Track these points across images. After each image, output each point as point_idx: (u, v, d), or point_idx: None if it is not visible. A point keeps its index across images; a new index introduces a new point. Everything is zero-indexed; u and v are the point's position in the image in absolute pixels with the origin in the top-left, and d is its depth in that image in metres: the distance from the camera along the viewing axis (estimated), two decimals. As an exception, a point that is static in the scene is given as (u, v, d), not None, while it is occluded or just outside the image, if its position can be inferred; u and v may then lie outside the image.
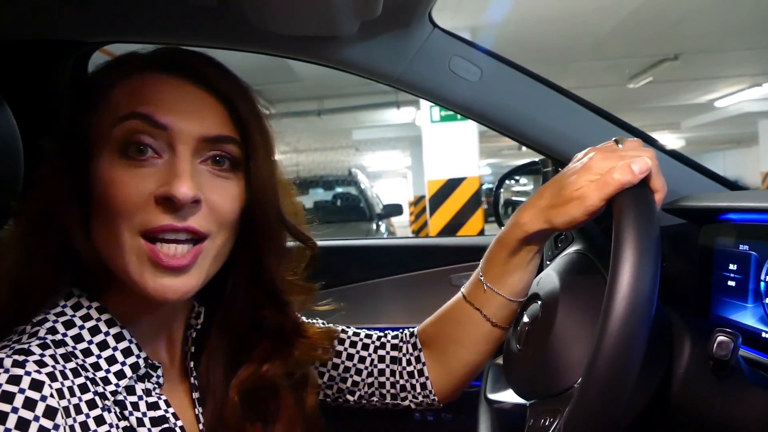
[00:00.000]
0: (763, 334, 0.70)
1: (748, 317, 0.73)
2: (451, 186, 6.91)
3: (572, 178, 0.69)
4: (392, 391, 0.89)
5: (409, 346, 0.90)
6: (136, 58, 0.65)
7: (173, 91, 0.62)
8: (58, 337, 0.58)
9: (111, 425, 0.57)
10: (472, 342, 0.84)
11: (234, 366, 0.73)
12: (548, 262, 0.95)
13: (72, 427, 0.53)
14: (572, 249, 0.92)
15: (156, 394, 0.65)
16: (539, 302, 0.80)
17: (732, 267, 0.76)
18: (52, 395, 0.52)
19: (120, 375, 0.61)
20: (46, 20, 0.96)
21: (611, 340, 0.52)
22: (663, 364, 0.67)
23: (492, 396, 0.96)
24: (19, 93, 0.93)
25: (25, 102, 0.90)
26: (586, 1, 5.19)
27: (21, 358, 0.53)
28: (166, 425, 0.63)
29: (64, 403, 0.53)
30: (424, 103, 6.95)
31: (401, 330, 0.93)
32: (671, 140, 16.94)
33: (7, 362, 0.52)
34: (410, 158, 15.32)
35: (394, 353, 0.90)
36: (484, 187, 11.55)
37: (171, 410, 0.65)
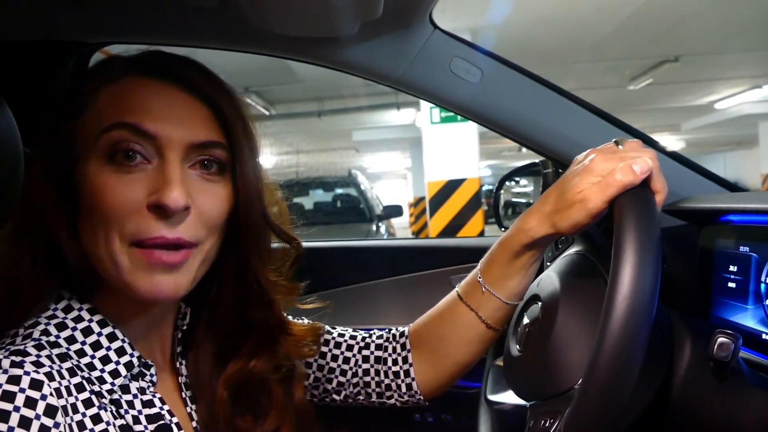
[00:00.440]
0: (764, 336, 0.70)
1: (748, 319, 0.73)
2: (451, 187, 6.91)
3: (574, 181, 0.69)
4: (377, 390, 0.89)
5: (398, 346, 0.90)
6: (119, 62, 0.65)
7: (158, 97, 0.62)
8: (52, 338, 0.59)
9: (108, 423, 0.57)
10: (465, 342, 0.85)
11: (222, 363, 0.74)
12: (549, 264, 0.95)
13: (70, 426, 0.53)
14: (573, 250, 0.92)
15: (150, 392, 0.66)
16: (540, 303, 0.80)
17: (732, 268, 0.76)
18: (51, 394, 0.52)
19: (115, 374, 0.62)
20: (46, 21, 0.96)
21: (612, 341, 0.52)
22: (663, 365, 0.67)
23: (492, 397, 0.96)
24: (20, 94, 0.93)
25: (26, 103, 0.90)
26: (587, 3, 5.19)
27: (18, 358, 0.53)
28: (161, 422, 0.64)
29: (62, 402, 0.53)
30: (424, 105, 6.95)
31: (387, 330, 0.93)
32: (671, 142, 16.94)
33: (6, 363, 0.53)
34: (410, 159, 15.32)
35: (379, 353, 0.90)
36: (484, 188, 11.55)
37: (166, 407, 0.66)
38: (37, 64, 1.07)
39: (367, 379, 0.89)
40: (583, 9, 5.31)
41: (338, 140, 13.29)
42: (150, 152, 0.61)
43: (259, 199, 0.69)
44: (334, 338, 0.90)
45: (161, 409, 0.65)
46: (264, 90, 8.19)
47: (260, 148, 0.71)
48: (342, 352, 0.89)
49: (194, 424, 0.71)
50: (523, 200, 1.72)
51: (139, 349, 0.65)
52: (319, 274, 0.80)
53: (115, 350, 0.63)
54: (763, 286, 0.71)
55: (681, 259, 0.87)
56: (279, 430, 0.75)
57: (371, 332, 0.93)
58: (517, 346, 0.81)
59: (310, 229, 0.88)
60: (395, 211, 6.86)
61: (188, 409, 0.72)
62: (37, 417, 0.50)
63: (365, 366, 0.89)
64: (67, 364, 0.57)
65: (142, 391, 0.65)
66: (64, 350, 0.59)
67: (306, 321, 0.87)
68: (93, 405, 0.57)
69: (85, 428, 0.55)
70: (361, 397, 0.90)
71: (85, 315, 0.62)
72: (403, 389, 0.88)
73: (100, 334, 0.62)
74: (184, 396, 0.72)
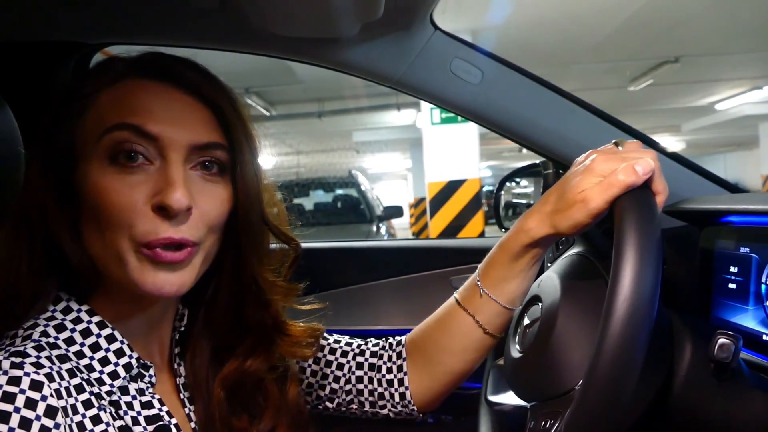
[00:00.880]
0: (764, 337, 0.70)
1: (748, 320, 0.73)
2: (451, 188, 6.91)
3: (575, 182, 0.69)
4: (370, 399, 0.88)
5: (393, 354, 0.89)
6: (119, 63, 0.65)
7: (160, 98, 0.63)
8: (51, 340, 0.59)
9: (107, 424, 0.57)
10: (461, 349, 0.83)
11: (219, 363, 0.74)
12: (549, 264, 0.95)
13: (70, 427, 0.53)
14: (573, 251, 0.92)
15: (149, 393, 0.66)
16: (540, 304, 0.80)
17: (733, 269, 0.76)
18: (51, 395, 0.53)
19: (113, 375, 0.62)
20: (47, 22, 0.97)
21: (612, 342, 0.52)
22: (664, 366, 0.67)
23: (492, 398, 0.95)
24: (21, 94, 0.93)
25: (27, 104, 0.90)
26: (587, 4, 5.20)
27: (18, 359, 0.54)
28: (160, 423, 0.65)
29: (62, 403, 0.53)
30: (425, 105, 6.95)
31: (384, 338, 0.93)
32: (672, 143, 16.94)
33: (6, 364, 0.53)
34: (411, 160, 15.33)
35: (373, 360, 0.89)
36: (485, 189, 11.55)
37: (165, 408, 0.66)
38: (38, 65, 1.07)
39: (360, 386, 0.88)
40: (584, 10, 5.32)
41: (338, 141, 13.30)
42: (152, 153, 0.61)
43: (259, 200, 0.69)
44: (329, 344, 0.90)
45: (160, 410, 0.66)
46: (264, 91, 8.20)
47: (260, 149, 0.71)
48: (336, 358, 0.89)
49: (192, 425, 0.72)
50: (523, 201, 1.72)
51: (138, 350, 0.66)
52: (320, 274, 0.80)
53: (114, 351, 0.63)
54: (763, 287, 0.71)
55: (681, 260, 0.87)
56: (275, 429, 0.75)
57: (368, 340, 0.93)
58: (518, 347, 0.81)
59: (310, 230, 0.88)
60: (396, 211, 6.86)
61: (187, 410, 0.72)
62: (38, 418, 0.50)
63: (359, 373, 0.88)
64: (67, 365, 0.57)
65: (141, 392, 0.65)
66: (63, 351, 0.59)
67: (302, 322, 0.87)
68: (93, 406, 0.57)
69: (85, 429, 0.55)
70: (354, 406, 0.89)
71: (84, 316, 0.62)
72: (396, 398, 0.87)
73: (99, 335, 0.62)
74: (182, 397, 0.73)
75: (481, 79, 0.98)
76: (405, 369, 0.88)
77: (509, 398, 0.88)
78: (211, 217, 0.64)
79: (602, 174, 0.66)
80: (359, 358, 0.89)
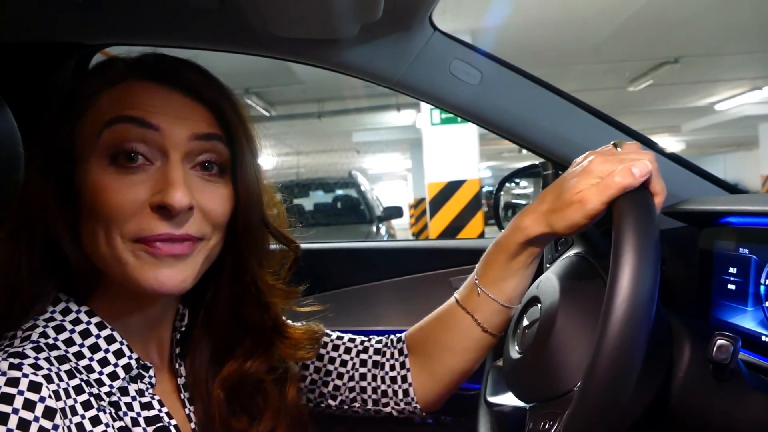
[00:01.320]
0: (763, 338, 0.70)
1: (748, 320, 0.73)
2: (451, 188, 6.91)
3: (572, 182, 0.69)
4: (374, 396, 0.88)
5: (395, 351, 0.89)
6: (119, 64, 0.66)
7: (160, 97, 0.63)
8: (50, 341, 0.59)
9: (107, 425, 0.57)
10: (461, 348, 0.83)
11: (218, 364, 0.74)
12: (548, 265, 0.96)
13: (69, 428, 0.53)
14: (572, 252, 0.92)
15: (149, 394, 0.66)
16: (539, 305, 0.80)
17: (732, 270, 0.76)
18: (50, 396, 0.52)
19: (113, 376, 0.62)
20: (46, 23, 0.97)
21: (611, 343, 0.52)
22: (663, 367, 0.67)
23: (492, 399, 0.96)
24: (20, 95, 0.93)
25: (26, 105, 0.90)
26: (587, 4, 5.20)
27: (17, 360, 0.53)
28: (160, 424, 0.64)
29: (60, 404, 0.53)
30: (425, 106, 6.95)
31: (387, 335, 0.93)
32: (672, 143, 16.95)
33: (4, 365, 0.53)
34: (410, 161, 15.33)
35: (377, 357, 0.89)
36: (484, 189, 11.55)
37: (165, 409, 0.66)
38: (37, 66, 1.07)
39: (364, 384, 0.88)
40: (583, 11, 5.32)
41: (338, 141, 13.30)
42: (152, 152, 0.61)
43: (259, 201, 0.69)
44: (332, 341, 0.90)
45: (160, 411, 0.65)
46: (264, 91, 8.19)
47: (260, 150, 0.71)
48: (339, 355, 0.89)
49: (192, 425, 0.71)
50: (523, 201, 1.72)
51: (138, 350, 0.66)
52: (319, 275, 0.80)
53: (114, 352, 0.63)
54: (762, 288, 0.71)
55: (680, 260, 0.87)
56: (274, 430, 0.75)
57: (371, 336, 0.93)
58: (517, 348, 0.81)
59: (310, 231, 0.88)
60: (395, 212, 6.86)
61: (187, 410, 0.72)
62: (36, 419, 0.50)
63: (362, 370, 0.88)
64: (66, 366, 0.57)
65: (140, 393, 0.65)
66: (62, 353, 0.59)
67: (302, 323, 0.87)
68: (92, 407, 0.57)
69: (85, 430, 0.55)
70: (357, 404, 0.89)
71: (83, 317, 0.62)
72: (400, 395, 0.87)
73: (98, 336, 0.62)
74: (182, 397, 0.72)
75: (480, 80, 0.99)
76: (408, 365, 0.88)
77: (508, 399, 0.88)
78: (214, 215, 0.64)
79: (600, 175, 0.66)
80: (363, 356, 0.89)
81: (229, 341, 0.75)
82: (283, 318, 0.80)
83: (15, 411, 0.50)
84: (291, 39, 0.93)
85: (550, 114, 1.00)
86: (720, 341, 0.61)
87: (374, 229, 6.26)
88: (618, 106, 10.09)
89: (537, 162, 1.15)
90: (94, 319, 0.63)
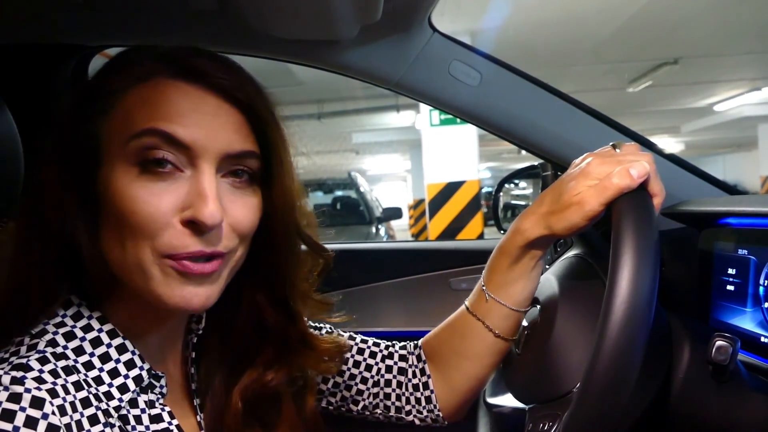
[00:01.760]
0: (762, 339, 0.70)
1: (747, 321, 0.73)
2: (450, 189, 6.91)
3: (571, 184, 0.69)
4: (397, 403, 0.87)
5: (414, 357, 0.88)
6: (146, 58, 0.60)
7: (192, 102, 0.58)
8: (59, 349, 0.56)
9: None
10: (475, 354, 0.82)
11: (234, 372, 0.72)
12: (547, 267, 0.96)
13: None
14: (571, 253, 0.92)
15: (160, 404, 0.63)
16: (538, 307, 0.81)
17: (731, 271, 0.76)
18: (53, 412, 0.50)
19: (123, 389, 0.59)
20: (46, 24, 0.97)
21: (610, 344, 0.52)
22: (662, 368, 0.67)
23: (491, 400, 0.96)
24: (20, 97, 0.93)
25: (26, 106, 0.90)
26: (586, 5, 5.20)
27: (19, 374, 0.51)
28: None
29: (66, 419, 0.51)
30: (424, 107, 6.95)
31: (409, 342, 0.91)
32: (671, 144, 16.96)
33: (6, 379, 0.50)
34: (410, 161, 15.32)
35: (402, 364, 0.88)
36: (484, 190, 11.55)
37: (174, 422, 0.63)
38: (37, 67, 1.07)
39: (388, 390, 0.86)
40: (583, 11, 5.32)
41: (338, 142, 13.30)
42: (182, 161, 0.57)
43: (293, 208, 0.67)
44: (357, 344, 0.88)
45: (170, 423, 0.63)
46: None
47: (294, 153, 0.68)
48: (365, 359, 0.87)
49: None
50: (522, 202, 1.72)
51: (150, 355, 0.63)
52: (318, 276, 0.80)
53: (125, 363, 0.60)
54: (761, 288, 0.71)
55: (680, 262, 0.88)
56: None
57: (394, 342, 0.91)
58: (516, 350, 0.81)
59: (324, 233, 0.88)
60: (395, 213, 6.86)
61: (198, 418, 0.70)
62: None
63: (387, 376, 0.87)
64: (73, 378, 0.55)
65: (150, 404, 0.62)
66: (70, 363, 0.56)
67: (328, 328, 0.86)
68: (99, 422, 0.54)
69: None
70: (379, 411, 0.87)
71: (95, 324, 0.59)
72: (423, 402, 0.86)
73: (109, 345, 0.59)
74: (195, 404, 0.70)
75: (479, 81, 0.99)
76: (427, 372, 0.86)
77: (508, 400, 0.88)
78: (243, 227, 0.61)
79: (598, 177, 0.66)
80: (388, 361, 0.88)
81: (248, 350, 0.72)
82: (310, 329, 0.78)
83: (16, 429, 0.48)
84: (290, 40, 0.93)
85: (549, 115, 1.00)
86: (719, 342, 0.61)
87: (373, 230, 6.26)
88: (617, 107, 10.10)
89: (536, 163, 1.16)
90: (106, 327, 0.60)
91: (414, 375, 0.87)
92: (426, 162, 7.14)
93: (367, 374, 0.87)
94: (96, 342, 0.59)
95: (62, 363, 0.55)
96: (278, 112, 0.66)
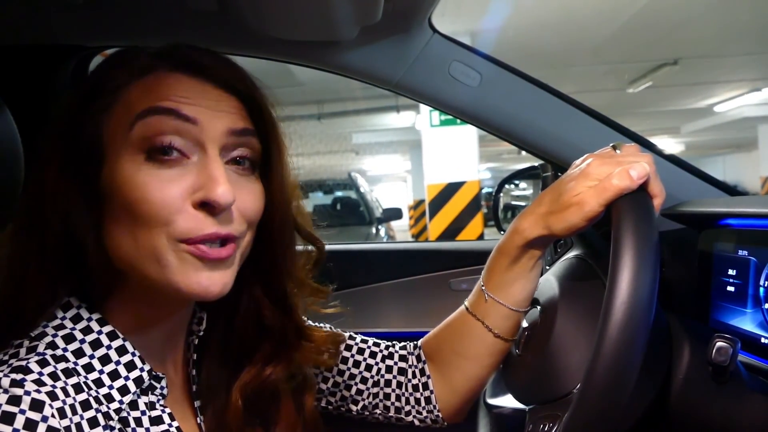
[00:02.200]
0: (763, 340, 0.70)
1: (747, 322, 0.73)
2: (450, 190, 6.91)
3: (571, 185, 0.69)
4: (396, 404, 0.86)
5: (414, 357, 0.88)
6: (143, 54, 0.62)
7: (194, 88, 0.60)
8: (59, 352, 0.56)
9: None
10: (475, 354, 0.82)
11: (235, 370, 0.71)
12: (547, 267, 0.96)
13: None
14: (571, 254, 0.92)
15: (160, 406, 0.63)
16: (538, 307, 0.81)
17: (731, 272, 0.76)
18: (53, 415, 0.50)
19: (123, 391, 0.59)
20: (45, 25, 0.97)
21: (610, 345, 0.52)
22: (662, 369, 0.67)
23: (491, 401, 0.96)
24: (20, 98, 0.93)
25: (26, 106, 0.90)
26: (586, 6, 5.20)
27: (19, 377, 0.51)
28: None
29: (65, 422, 0.51)
30: (424, 107, 6.95)
31: (408, 341, 0.91)
32: (671, 145, 16.96)
33: (5, 382, 0.50)
34: (410, 162, 15.32)
35: (402, 364, 0.88)
36: (484, 191, 11.55)
37: (175, 423, 0.63)
38: (37, 68, 1.07)
39: (388, 390, 0.86)
40: (583, 12, 5.32)
41: (338, 143, 13.30)
42: (188, 145, 0.58)
43: (290, 198, 0.68)
44: (357, 344, 0.88)
45: (170, 425, 0.63)
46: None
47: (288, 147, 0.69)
48: (365, 359, 0.87)
49: None
50: (522, 203, 1.72)
51: (151, 356, 0.63)
52: (318, 276, 0.80)
53: (125, 364, 0.60)
54: (761, 289, 0.71)
55: (680, 262, 0.88)
56: None
57: (394, 342, 0.91)
58: (516, 350, 0.81)
59: (324, 233, 0.88)
60: (395, 213, 6.85)
61: (198, 420, 0.69)
62: None
63: (387, 376, 0.87)
64: (73, 380, 0.55)
65: (151, 406, 0.62)
66: (70, 365, 0.56)
67: (328, 327, 0.85)
68: (98, 424, 0.54)
69: None
70: (378, 411, 0.87)
71: (95, 326, 0.59)
72: (423, 403, 0.86)
73: (109, 347, 0.59)
74: (195, 405, 0.70)
75: (479, 82, 0.99)
76: (427, 372, 0.86)
77: (508, 401, 0.88)
78: (250, 212, 0.61)
79: (597, 178, 0.66)
80: (388, 361, 0.88)
81: (248, 346, 0.72)
82: (306, 321, 0.78)
83: (15, 431, 0.48)
84: (291, 41, 0.93)
85: (549, 116, 1.00)
86: (719, 343, 0.61)
87: (374, 230, 6.26)
88: (617, 107, 10.10)
89: (536, 164, 1.16)
90: (106, 329, 0.60)
91: (414, 375, 0.87)
92: (426, 162, 7.14)
93: (367, 374, 0.87)
94: (96, 344, 0.59)
95: (62, 365, 0.55)
96: (276, 112, 0.67)
